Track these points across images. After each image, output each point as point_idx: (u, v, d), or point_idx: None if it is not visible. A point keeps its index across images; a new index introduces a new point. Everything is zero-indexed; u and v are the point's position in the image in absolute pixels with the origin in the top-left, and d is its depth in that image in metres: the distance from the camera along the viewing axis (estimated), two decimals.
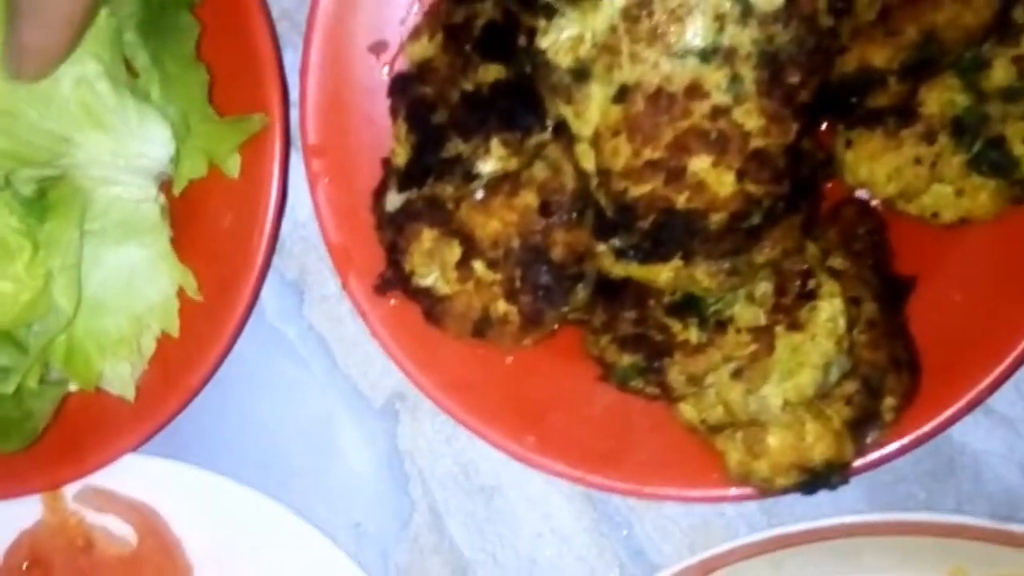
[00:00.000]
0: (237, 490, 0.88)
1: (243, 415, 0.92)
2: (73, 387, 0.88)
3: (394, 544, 0.91)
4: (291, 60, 0.87)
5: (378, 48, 0.85)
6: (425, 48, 0.80)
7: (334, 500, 0.91)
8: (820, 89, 0.68)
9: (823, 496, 0.77)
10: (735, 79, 0.67)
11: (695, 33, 0.67)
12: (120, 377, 0.86)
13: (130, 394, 0.86)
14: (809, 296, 0.74)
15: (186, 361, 0.86)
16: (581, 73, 0.71)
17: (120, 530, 0.90)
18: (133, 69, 0.86)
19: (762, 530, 0.85)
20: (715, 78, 0.67)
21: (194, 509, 0.89)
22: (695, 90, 0.68)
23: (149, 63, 0.85)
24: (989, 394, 0.80)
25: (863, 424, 0.76)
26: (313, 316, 0.92)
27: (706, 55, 0.67)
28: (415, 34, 0.81)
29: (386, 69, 0.84)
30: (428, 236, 0.78)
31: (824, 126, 0.80)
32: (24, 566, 0.89)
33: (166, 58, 0.85)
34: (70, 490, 0.89)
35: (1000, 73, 0.74)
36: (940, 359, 0.78)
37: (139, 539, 0.89)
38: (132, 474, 0.88)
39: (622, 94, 0.70)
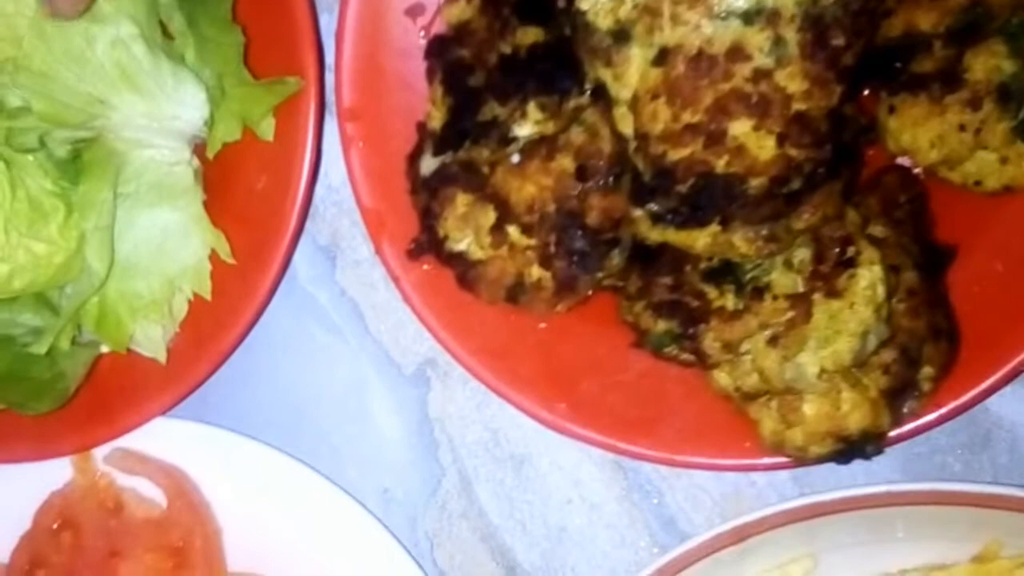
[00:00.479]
0: (267, 454, 0.88)
1: (274, 379, 0.92)
2: (105, 349, 0.88)
3: (423, 510, 0.91)
4: (327, 23, 0.86)
5: (415, 11, 0.84)
6: (463, 10, 0.80)
7: (363, 465, 0.91)
8: (864, 53, 0.68)
9: (856, 466, 0.76)
10: (778, 41, 0.66)
11: None
12: (152, 339, 0.86)
13: (162, 356, 0.86)
14: (848, 263, 0.73)
15: (218, 324, 0.86)
16: (621, 35, 0.70)
17: (150, 492, 0.90)
18: (168, 31, 0.85)
19: (793, 498, 0.85)
20: (757, 40, 0.67)
21: (224, 472, 0.89)
22: (737, 53, 0.67)
23: (185, 25, 0.85)
24: None
25: (900, 393, 0.75)
26: (345, 281, 0.92)
27: (749, 17, 0.67)
28: None
29: (423, 32, 0.84)
30: (462, 200, 0.77)
31: (867, 92, 0.79)
32: (55, 527, 0.89)
33: (201, 20, 0.84)
34: (100, 452, 0.89)
35: None
36: (980, 329, 0.78)
37: (169, 501, 0.89)
38: (162, 437, 0.88)
39: (662, 56, 0.69)
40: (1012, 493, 0.74)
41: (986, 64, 0.73)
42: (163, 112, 0.84)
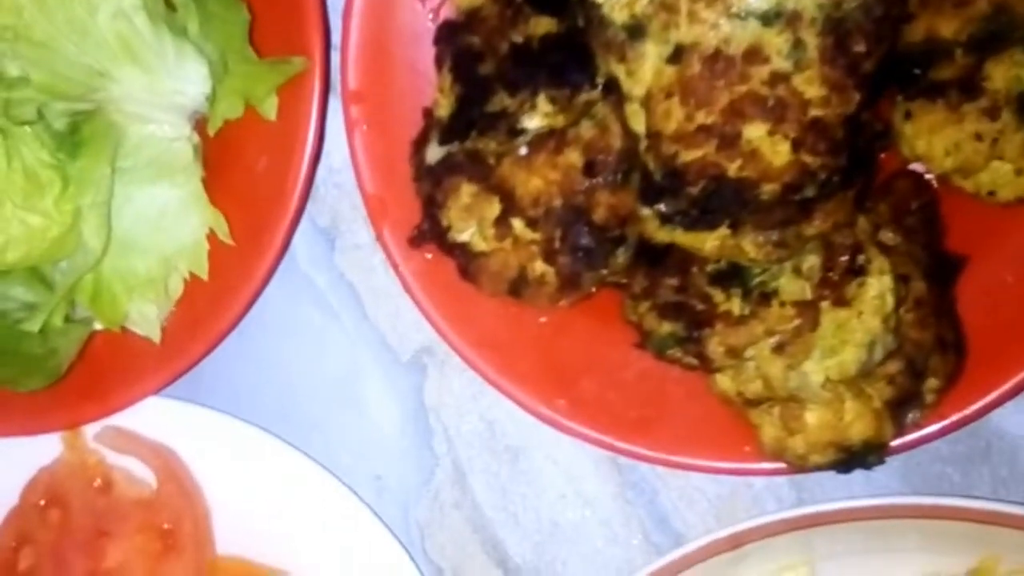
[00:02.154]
0: (259, 437, 0.87)
1: (269, 362, 0.91)
2: (98, 326, 0.86)
3: (415, 499, 0.90)
4: (335, 2, 0.85)
5: None
6: None
7: (357, 452, 0.90)
8: (884, 60, 0.66)
9: (855, 473, 0.76)
10: (797, 45, 0.65)
11: None
12: (146, 318, 0.85)
13: (156, 335, 0.85)
14: (858, 272, 0.72)
15: (214, 305, 0.85)
16: (636, 30, 0.69)
17: (140, 472, 0.89)
18: (172, 3, 0.84)
19: (790, 504, 0.85)
20: (776, 43, 0.65)
21: (215, 455, 0.88)
22: (754, 54, 0.66)
23: None
24: None
25: (903, 404, 0.74)
26: (344, 265, 0.91)
27: (768, 18, 0.65)
28: None
29: (432, 16, 0.82)
30: (467, 191, 0.76)
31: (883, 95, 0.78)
32: (42, 503, 0.88)
33: None
34: (91, 430, 0.88)
35: None
36: (987, 341, 0.77)
37: (159, 482, 0.88)
38: (154, 417, 0.87)
39: (678, 54, 0.68)
40: (1010, 511, 0.74)
41: (1007, 74, 0.71)
42: (164, 86, 0.82)
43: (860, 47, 0.64)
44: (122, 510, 0.88)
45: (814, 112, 0.65)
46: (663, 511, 0.87)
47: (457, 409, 0.90)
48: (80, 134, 0.82)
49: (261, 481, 0.87)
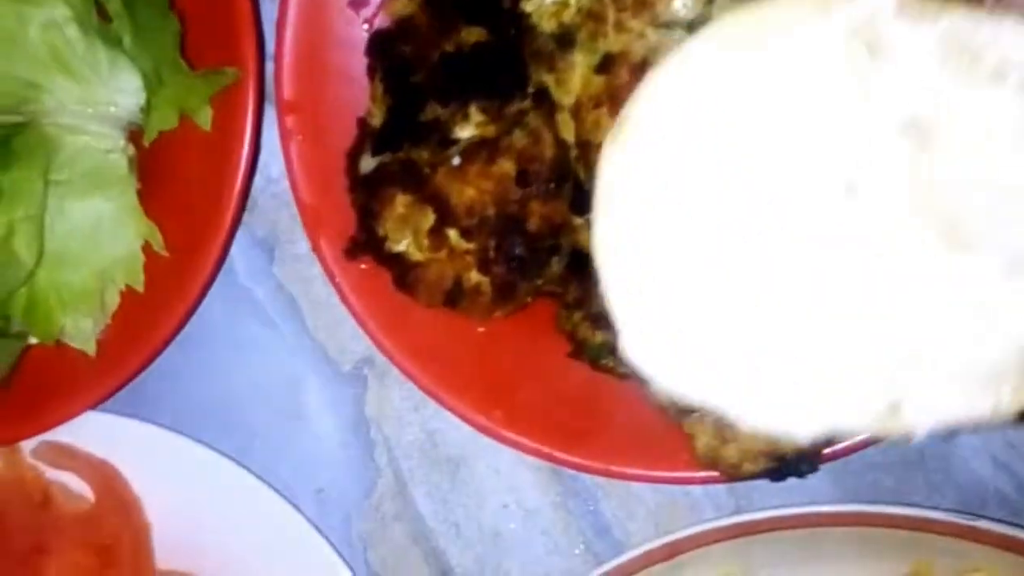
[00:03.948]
0: (199, 451, 0.86)
1: (208, 375, 0.90)
2: (34, 340, 0.86)
3: (357, 511, 0.90)
4: (269, 10, 0.84)
5: (359, 3, 0.82)
6: (406, 5, 0.78)
7: (297, 464, 0.89)
8: None
9: (792, 481, 0.76)
10: None
11: (683, 4, 0.66)
12: (82, 332, 0.84)
13: (91, 349, 0.84)
14: None
15: (151, 318, 0.84)
16: (565, 39, 0.69)
17: (79, 487, 0.88)
18: (105, 13, 0.83)
19: (729, 511, 0.85)
20: None
21: (154, 469, 0.87)
22: None
23: (122, 8, 0.83)
24: None
25: None
26: (283, 275, 0.90)
27: (694, 27, 0.65)
28: None
29: (366, 25, 0.82)
30: (402, 201, 0.76)
31: None
32: None
33: (139, 6, 0.82)
34: (28, 445, 0.87)
35: None
36: None
37: (97, 497, 0.87)
38: (92, 431, 0.87)
39: (606, 64, 0.68)
40: (941, 517, 0.74)
41: None
42: (97, 97, 0.82)
43: None
44: (60, 525, 0.87)
45: None
46: (604, 520, 0.87)
47: (398, 420, 0.89)
48: (12, 146, 0.81)
49: (201, 495, 0.87)
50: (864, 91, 0.61)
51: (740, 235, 0.62)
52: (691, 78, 0.63)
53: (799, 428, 0.64)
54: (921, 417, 0.62)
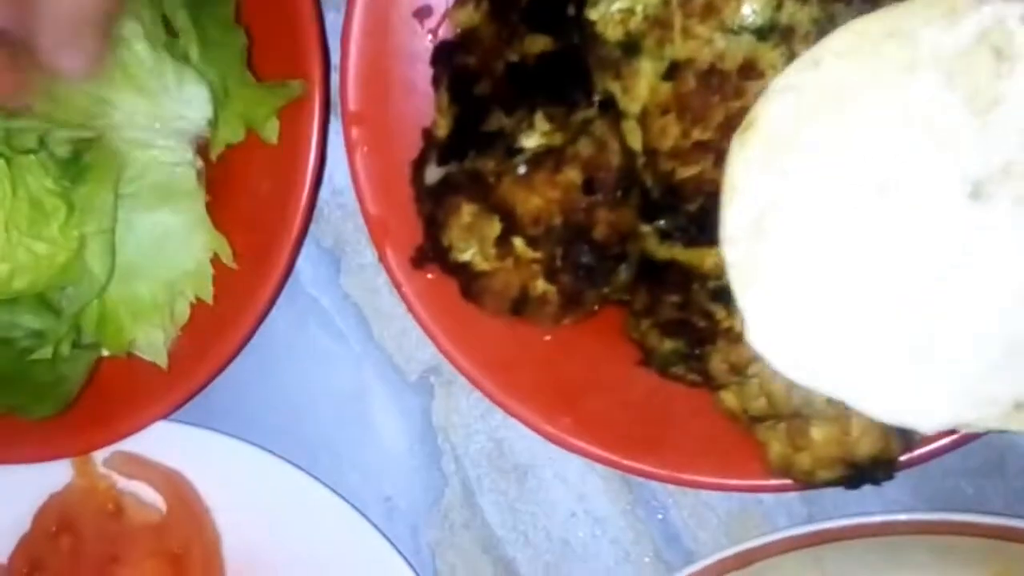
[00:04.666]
0: (268, 460, 0.87)
1: (276, 385, 0.91)
2: (106, 352, 0.87)
3: (424, 519, 0.90)
4: (333, 21, 0.85)
5: (423, 13, 0.82)
6: (470, 15, 0.78)
7: (365, 474, 0.90)
8: None
9: (867, 488, 0.75)
10: (792, 59, 0.64)
11: (752, 9, 0.65)
12: (153, 344, 0.85)
13: (163, 361, 0.85)
14: None
15: (220, 329, 0.85)
16: (631, 47, 0.69)
17: (150, 497, 0.89)
18: (173, 29, 0.84)
19: (801, 519, 0.84)
20: (771, 57, 0.65)
21: (224, 479, 0.88)
22: (749, 69, 0.65)
23: (189, 24, 0.83)
24: None
25: None
26: (349, 286, 0.91)
27: (763, 33, 0.65)
28: (460, 0, 0.79)
29: (430, 36, 0.82)
30: (467, 210, 0.76)
31: None
32: (53, 530, 0.88)
33: (205, 20, 0.83)
34: (100, 455, 0.88)
35: None
36: None
37: (168, 507, 0.88)
38: (163, 442, 0.87)
39: (672, 71, 0.67)
40: (1022, 525, 0.73)
41: None
42: (166, 112, 0.83)
43: None
44: (133, 535, 0.88)
45: None
46: (674, 529, 0.87)
47: (465, 429, 0.89)
48: (83, 161, 0.82)
49: (271, 504, 0.87)
50: (989, 97, 0.62)
51: (867, 230, 0.64)
52: (817, 79, 0.64)
53: (923, 421, 0.66)
54: None
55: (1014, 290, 0.63)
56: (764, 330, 0.66)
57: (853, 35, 0.63)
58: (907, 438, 0.73)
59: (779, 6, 0.64)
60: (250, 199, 0.85)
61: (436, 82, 0.79)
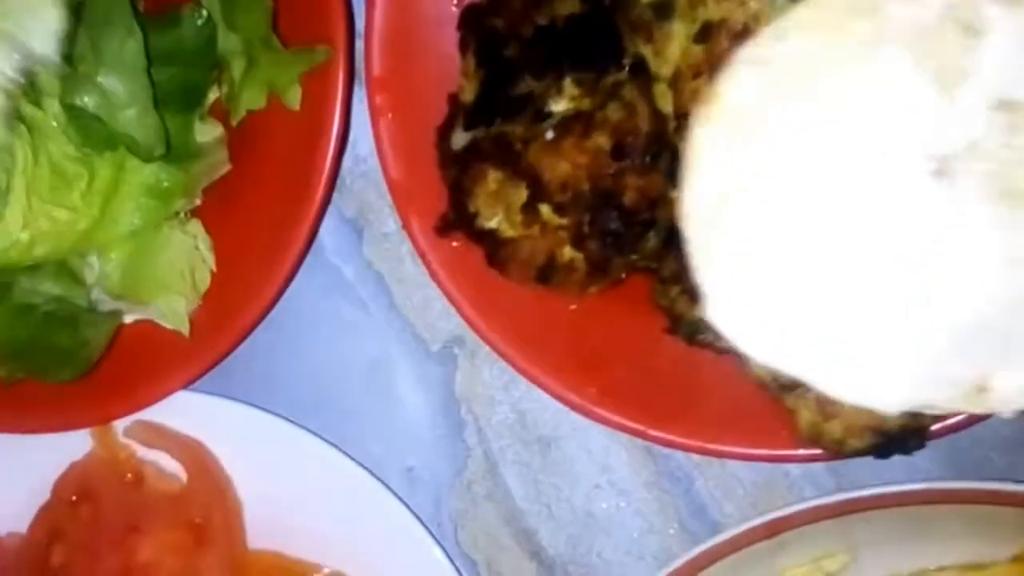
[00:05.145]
0: (289, 430, 0.87)
1: (298, 354, 0.90)
2: (127, 319, 0.86)
3: (447, 490, 0.89)
4: None
5: None
6: None
7: (388, 444, 0.89)
8: None
9: (895, 459, 0.74)
10: None
11: None
12: (174, 311, 0.85)
13: (184, 329, 0.84)
14: None
15: (242, 297, 0.84)
16: (663, 9, 0.68)
17: (170, 466, 0.89)
18: None
19: (828, 490, 0.83)
20: None
21: (245, 448, 0.87)
22: None
23: None
24: None
25: None
26: (372, 254, 0.90)
27: None
28: None
29: (456, 1, 0.81)
30: (494, 177, 0.75)
31: None
32: (73, 498, 0.88)
33: None
34: (121, 424, 0.88)
35: None
36: None
37: (189, 476, 0.88)
38: (184, 411, 0.87)
39: (705, 32, 0.66)
40: None
41: None
42: None
43: None
44: (153, 505, 0.88)
45: None
46: (699, 500, 0.86)
47: (488, 399, 0.89)
48: None
49: (292, 474, 0.87)
50: (956, 73, 0.60)
51: (830, 208, 0.62)
52: (782, 53, 0.63)
53: (885, 401, 0.64)
54: (1008, 398, 0.62)
55: (978, 271, 0.61)
56: (724, 309, 0.64)
57: (818, 8, 0.62)
58: None
59: None
60: (272, 167, 0.84)
61: (463, 46, 0.78)
